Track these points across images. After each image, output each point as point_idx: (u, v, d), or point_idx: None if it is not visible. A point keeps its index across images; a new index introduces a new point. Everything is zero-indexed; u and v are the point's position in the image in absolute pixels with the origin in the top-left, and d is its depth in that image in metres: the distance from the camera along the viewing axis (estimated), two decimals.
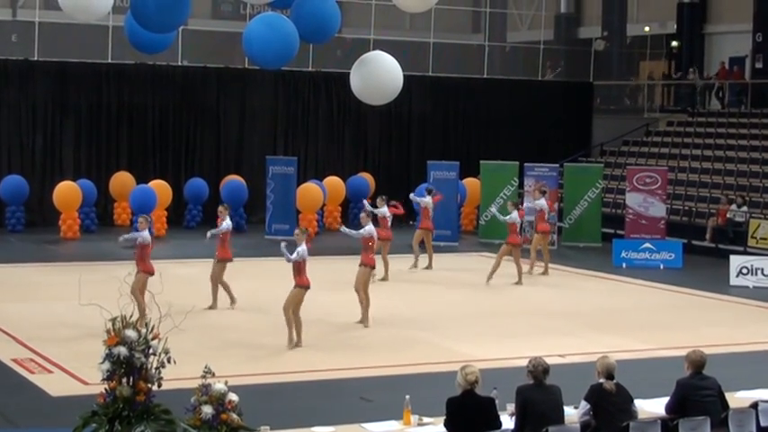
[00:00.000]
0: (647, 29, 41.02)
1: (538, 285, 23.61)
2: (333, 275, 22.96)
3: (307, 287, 16.64)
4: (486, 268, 23.37)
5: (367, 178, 33.52)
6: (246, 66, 32.47)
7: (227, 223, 19.41)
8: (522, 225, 24.23)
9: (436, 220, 28.23)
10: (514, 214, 23.15)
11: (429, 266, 25.00)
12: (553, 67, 39.77)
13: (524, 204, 27.34)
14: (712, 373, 10.88)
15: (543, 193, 25.29)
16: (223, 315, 18.93)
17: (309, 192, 30.65)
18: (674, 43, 39.16)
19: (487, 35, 39.71)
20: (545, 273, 24.78)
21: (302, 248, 16.38)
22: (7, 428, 12.66)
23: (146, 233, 17.61)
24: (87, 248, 26.59)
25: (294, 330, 16.69)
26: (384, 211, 23.12)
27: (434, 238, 26.70)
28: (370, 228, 18.45)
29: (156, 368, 10.40)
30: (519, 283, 23.26)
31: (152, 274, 17.39)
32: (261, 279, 22.11)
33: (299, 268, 16.47)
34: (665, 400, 10.85)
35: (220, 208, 19.83)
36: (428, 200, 25.18)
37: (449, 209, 29.20)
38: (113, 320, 10.48)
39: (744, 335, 18.59)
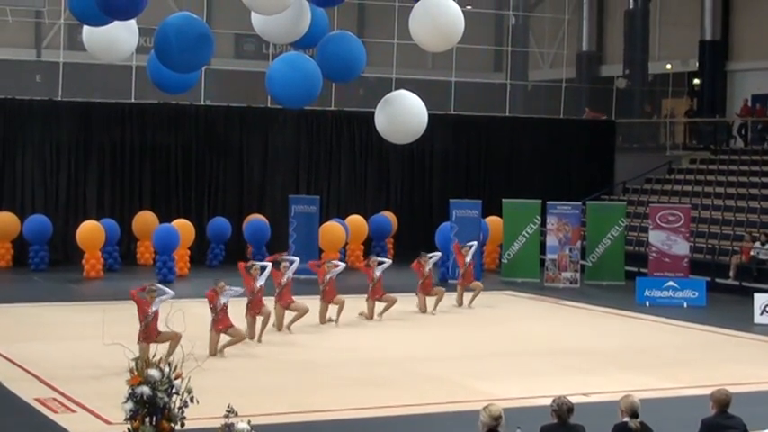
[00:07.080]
0: (668, 67, 41.04)
1: (560, 324, 23.52)
2: (353, 314, 22.98)
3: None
4: (510, 307, 23.22)
5: (389, 217, 33.54)
6: (269, 105, 32.63)
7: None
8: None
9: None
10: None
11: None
12: (598, 110, 39.85)
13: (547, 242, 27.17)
14: (737, 411, 10.79)
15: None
16: (245, 354, 18.90)
17: (332, 230, 30.70)
18: (696, 81, 39.14)
19: (509, 74, 39.86)
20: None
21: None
22: None
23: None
24: (110, 288, 26.62)
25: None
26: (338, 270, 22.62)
27: (454, 275, 26.72)
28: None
29: (179, 407, 10.42)
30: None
31: None
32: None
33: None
34: None
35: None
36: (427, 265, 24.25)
37: None
38: (136, 360, 10.52)
39: None
